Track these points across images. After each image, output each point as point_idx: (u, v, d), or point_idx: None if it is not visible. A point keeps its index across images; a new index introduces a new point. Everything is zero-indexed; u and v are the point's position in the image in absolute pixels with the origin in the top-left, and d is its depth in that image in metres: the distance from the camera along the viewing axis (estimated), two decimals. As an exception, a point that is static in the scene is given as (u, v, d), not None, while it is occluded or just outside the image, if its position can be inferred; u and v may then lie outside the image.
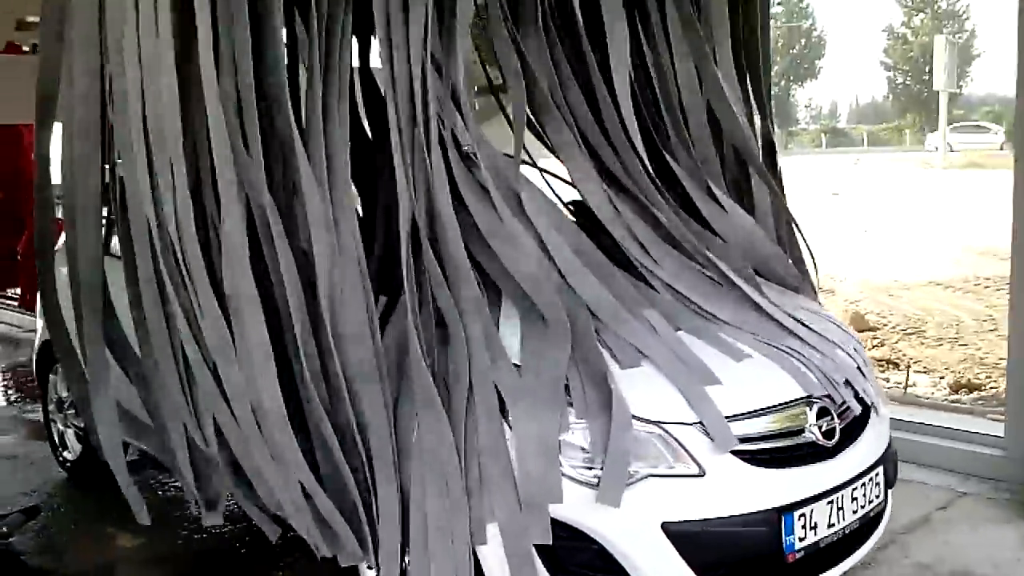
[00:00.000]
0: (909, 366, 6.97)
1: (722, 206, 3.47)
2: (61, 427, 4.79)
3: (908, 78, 48.20)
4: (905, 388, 6.40)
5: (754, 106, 3.95)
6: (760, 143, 3.85)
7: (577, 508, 2.62)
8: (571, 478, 2.63)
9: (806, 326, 3.17)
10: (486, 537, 2.63)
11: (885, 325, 8.89)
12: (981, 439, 4.47)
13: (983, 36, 67.11)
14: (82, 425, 4.43)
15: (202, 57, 2.62)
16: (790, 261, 3.68)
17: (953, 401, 6.19)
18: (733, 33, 3.76)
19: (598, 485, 2.58)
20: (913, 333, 8.56)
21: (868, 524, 3.00)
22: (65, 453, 4.78)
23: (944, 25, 48.26)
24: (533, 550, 2.62)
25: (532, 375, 2.76)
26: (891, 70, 53.93)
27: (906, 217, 17.34)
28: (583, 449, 2.66)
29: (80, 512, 4.40)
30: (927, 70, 44.43)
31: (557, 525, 2.62)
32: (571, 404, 2.70)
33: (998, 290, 9.44)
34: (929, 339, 8.31)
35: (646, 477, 2.64)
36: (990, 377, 6.73)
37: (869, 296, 10.30)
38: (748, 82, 3.91)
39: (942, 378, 6.94)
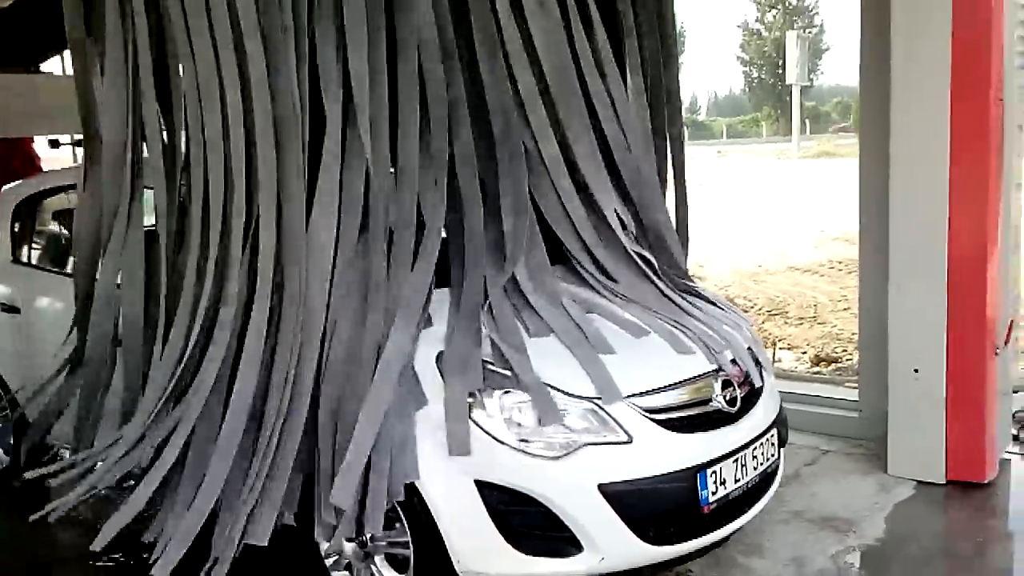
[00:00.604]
0: (775, 344, 7.55)
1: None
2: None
3: (763, 72, 50.11)
4: (772, 364, 6.95)
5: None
6: (672, 138, 4.25)
7: (523, 475, 2.94)
8: (516, 449, 2.94)
9: (714, 305, 3.63)
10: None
11: (752, 307, 9.53)
12: (840, 404, 5.05)
13: (831, 31, 70.35)
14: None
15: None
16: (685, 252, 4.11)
17: (815, 373, 6.77)
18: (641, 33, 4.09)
19: (537, 455, 2.92)
20: (777, 314, 9.20)
21: (767, 478, 3.43)
22: None
23: (795, 21, 50.32)
24: (485, 513, 2.92)
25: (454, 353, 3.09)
26: (747, 65, 55.94)
27: (767, 205, 18.32)
28: (522, 425, 2.97)
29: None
30: (780, 64, 46.39)
31: (506, 491, 2.93)
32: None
33: (850, 273, 10.16)
34: (791, 319, 8.97)
35: (583, 446, 2.97)
36: (846, 351, 7.37)
37: (737, 281, 10.97)
38: (662, 82, 4.25)
39: (804, 353, 7.55)
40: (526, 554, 2.98)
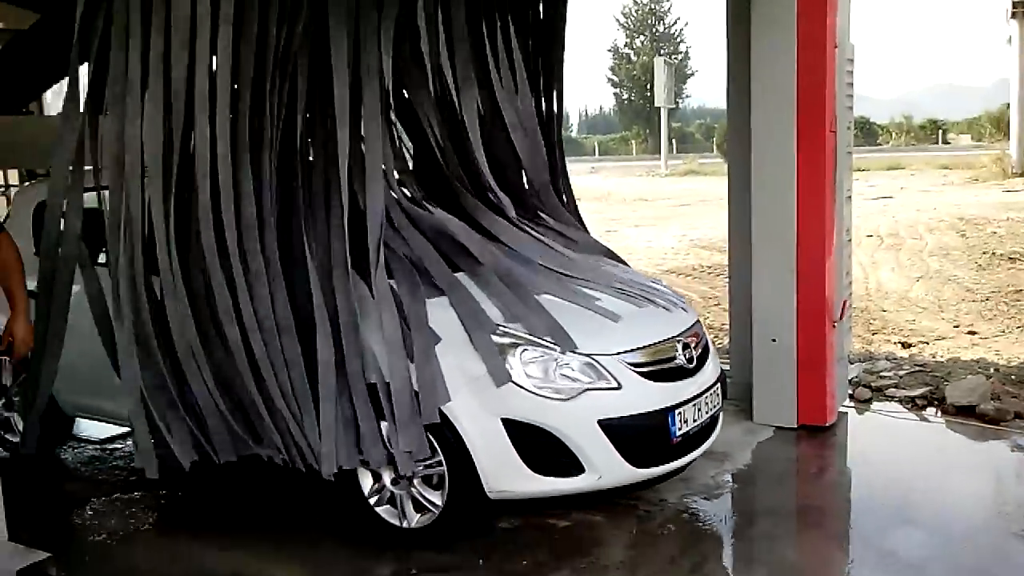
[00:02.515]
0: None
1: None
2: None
3: (632, 94, 52.02)
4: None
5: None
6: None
7: (539, 413, 3.79)
8: (533, 393, 3.79)
9: (658, 288, 4.68)
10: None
11: (635, 307, 10.72)
12: (716, 373, 6.23)
13: (695, 56, 73.41)
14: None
15: None
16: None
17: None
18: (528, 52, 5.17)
19: (550, 398, 3.79)
20: (657, 312, 10.42)
21: (713, 420, 4.38)
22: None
23: (662, 47, 52.51)
24: (509, 443, 3.76)
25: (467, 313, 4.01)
26: (617, 86, 57.97)
27: (641, 217, 19.76)
28: (535, 376, 3.82)
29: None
30: (648, 87, 48.48)
31: (526, 426, 3.77)
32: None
33: (718, 276, 11.52)
34: (670, 316, 10.19)
35: (585, 390, 3.84)
36: (717, 336, 8.63)
37: (619, 285, 12.16)
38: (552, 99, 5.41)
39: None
40: (541, 475, 3.81)
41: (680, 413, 4.07)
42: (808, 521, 4.52)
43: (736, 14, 5.63)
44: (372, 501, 4.09)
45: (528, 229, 4.76)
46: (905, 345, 7.78)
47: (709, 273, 12.32)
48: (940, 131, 47.77)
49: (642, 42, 53.21)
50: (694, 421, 4.16)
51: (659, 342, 4.17)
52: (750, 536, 4.28)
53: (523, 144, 4.85)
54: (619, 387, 3.92)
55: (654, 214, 20.55)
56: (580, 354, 3.91)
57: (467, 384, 3.84)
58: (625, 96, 57.16)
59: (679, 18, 48.60)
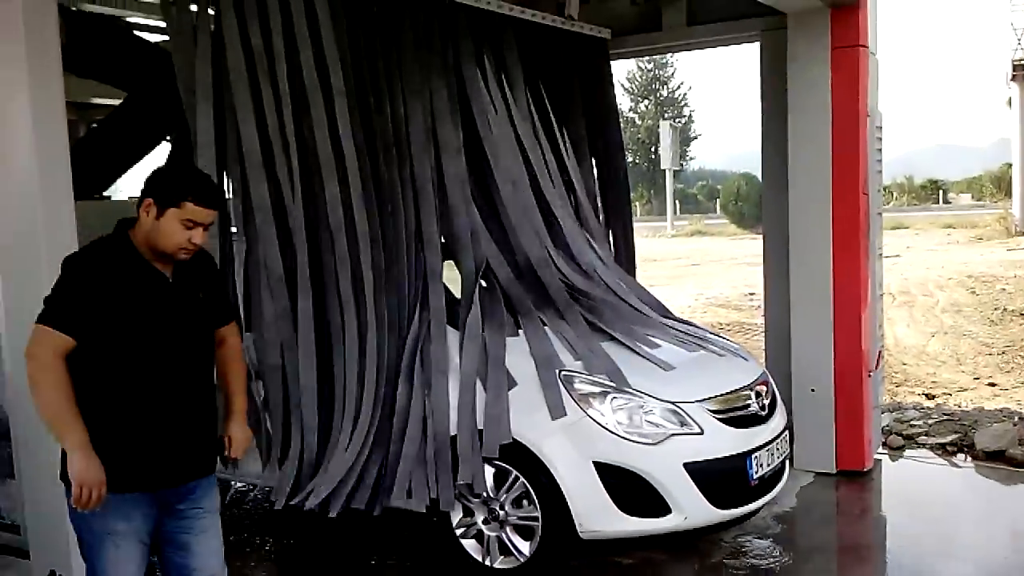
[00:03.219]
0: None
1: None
2: None
3: (637, 156, 52.70)
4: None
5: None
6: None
7: (629, 457, 4.07)
8: (623, 438, 4.08)
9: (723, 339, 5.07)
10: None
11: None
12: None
13: (698, 120, 74.49)
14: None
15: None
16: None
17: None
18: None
19: (639, 442, 4.09)
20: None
21: (783, 465, 4.65)
22: None
23: (666, 111, 53.39)
24: (601, 485, 4.03)
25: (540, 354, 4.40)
26: (622, 149, 58.67)
27: (653, 278, 20.13)
28: (623, 422, 4.11)
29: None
30: (652, 149, 49.21)
31: (616, 469, 4.04)
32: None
33: (738, 332, 11.87)
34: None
35: (671, 435, 4.13)
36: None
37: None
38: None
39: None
40: (631, 515, 4.07)
41: (756, 457, 4.35)
42: (856, 556, 4.84)
43: (771, 87, 6.09)
44: (459, 533, 4.37)
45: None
46: (929, 396, 8.12)
47: (728, 330, 12.65)
48: (941, 191, 48.46)
49: (646, 106, 54.10)
50: (768, 465, 4.44)
51: (735, 390, 4.47)
52: (805, 571, 4.58)
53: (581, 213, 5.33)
54: (701, 432, 4.20)
55: (666, 273, 20.88)
56: (664, 401, 4.22)
57: (561, 430, 4.14)
58: (630, 159, 57.74)
59: (682, 83, 49.27)
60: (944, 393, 8.24)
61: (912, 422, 6.75)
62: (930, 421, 6.74)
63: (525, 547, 4.24)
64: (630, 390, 4.22)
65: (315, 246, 4.43)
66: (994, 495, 5.56)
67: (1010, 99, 26.17)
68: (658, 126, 44.18)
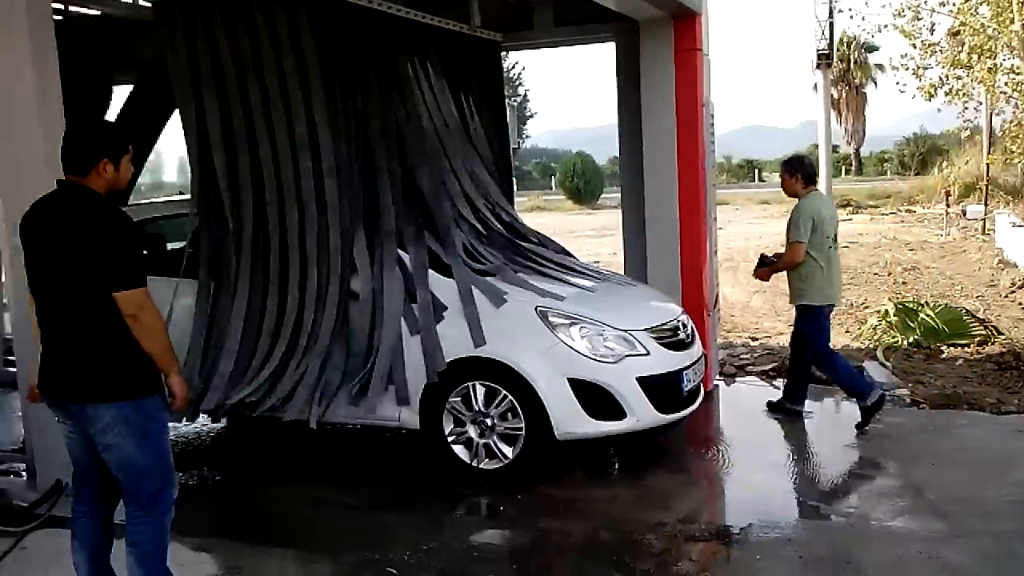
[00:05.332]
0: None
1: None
2: None
3: (475, 136, 53.55)
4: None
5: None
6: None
7: (594, 373, 5.07)
8: (590, 358, 5.09)
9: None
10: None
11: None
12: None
13: (532, 99, 76.11)
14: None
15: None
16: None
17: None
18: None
19: (602, 361, 5.12)
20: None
21: (699, 384, 5.74)
22: None
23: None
24: (573, 396, 5.03)
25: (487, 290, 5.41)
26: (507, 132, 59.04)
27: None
28: (590, 345, 5.13)
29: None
30: (490, 129, 50.15)
31: (585, 383, 5.03)
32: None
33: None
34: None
35: (625, 356, 5.16)
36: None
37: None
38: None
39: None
40: (596, 419, 5.09)
41: (687, 374, 5.46)
42: (704, 444, 6.18)
43: (625, 80, 7.41)
44: (450, 440, 5.30)
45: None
46: (753, 339, 9.68)
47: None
48: (756, 170, 52.03)
49: (484, 86, 54.85)
50: (693, 381, 5.57)
51: (668, 321, 5.65)
52: (673, 450, 5.92)
53: (493, 179, 6.45)
54: (648, 354, 5.27)
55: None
56: (619, 329, 5.29)
57: (541, 353, 5.15)
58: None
59: (517, 62, 50.22)
60: (765, 336, 9.81)
61: (741, 356, 8.27)
62: (755, 355, 8.27)
63: (509, 451, 5.19)
64: (592, 320, 5.22)
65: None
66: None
67: (816, 84, 28.76)
68: (497, 106, 44.92)
